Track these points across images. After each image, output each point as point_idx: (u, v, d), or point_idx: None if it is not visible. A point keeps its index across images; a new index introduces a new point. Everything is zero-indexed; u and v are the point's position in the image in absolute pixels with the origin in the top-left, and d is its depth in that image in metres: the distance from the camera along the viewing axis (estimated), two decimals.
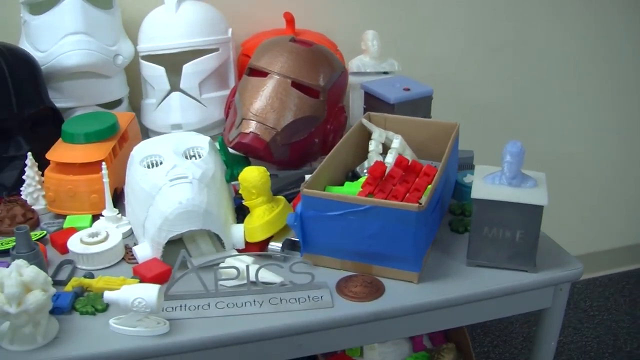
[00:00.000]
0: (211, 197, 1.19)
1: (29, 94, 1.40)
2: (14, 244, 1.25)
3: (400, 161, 1.23)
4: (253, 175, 1.22)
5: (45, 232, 1.29)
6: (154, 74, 1.57)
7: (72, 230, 1.27)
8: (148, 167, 1.23)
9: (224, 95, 1.61)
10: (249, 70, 1.46)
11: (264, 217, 1.22)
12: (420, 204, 1.10)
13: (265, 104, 1.39)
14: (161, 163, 1.23)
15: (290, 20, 1.69)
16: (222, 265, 1.16)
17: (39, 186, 1.37)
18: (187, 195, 1.16)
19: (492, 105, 2.28)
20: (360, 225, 1.14)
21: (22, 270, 1.03)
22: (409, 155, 1.35)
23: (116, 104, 1.62)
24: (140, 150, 1.26)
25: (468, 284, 1.17)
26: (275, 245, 1.22)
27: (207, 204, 1.17)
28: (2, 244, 1.26)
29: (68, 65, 1.47)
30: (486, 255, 1.19)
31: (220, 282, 1.14)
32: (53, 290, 1.05)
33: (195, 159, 1.25)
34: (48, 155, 1.33)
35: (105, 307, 1.11)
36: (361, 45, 1.69)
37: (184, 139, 1.28)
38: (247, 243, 1.22)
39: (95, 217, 1.33)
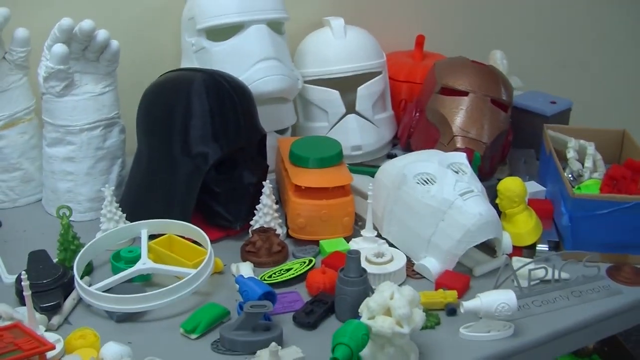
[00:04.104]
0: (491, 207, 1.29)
1: (252, 122, 1.38)
2: (292, 274, 1.26)
3: (630, 163, 1.40)
4: (516, 184, 1.33)
5: (311, 258, 1.29)
6: (328, 97, 1.59)
7: (341, 254, 1.29)
8: (422, 184, 1.29)
9: (387, 116, 1.68)
10: (440, 89, 1.55)
11: (530, 222, 1.33)
12: None
13: (473, 120, 1.50)
14: (432, 180, 1.29)
15: (420, 42, 1.79)
16: (528, 268, 1.24)
17: (276, 214, 1.36)
18: (484, 206, 1.24)
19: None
20: (624, 219, 1.30)
21: (400, 291, 1.06)
22: (600, 159, 1.53)
23: (285, 130, 1.61)
24: (410, 169, 1.31)
25: None
26: (543, 247, 1.34)
27: (495, 214, 1.27)
28: (275, 273, 1.26)
29: (265, 91, 1.45)
30: None
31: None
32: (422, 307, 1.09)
33: (459, 173, 1.32)
34: (295, 181, 1.33)
35: (439, 320, 1.17)
36: None
37: (441, 155, 1.35)
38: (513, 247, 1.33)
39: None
